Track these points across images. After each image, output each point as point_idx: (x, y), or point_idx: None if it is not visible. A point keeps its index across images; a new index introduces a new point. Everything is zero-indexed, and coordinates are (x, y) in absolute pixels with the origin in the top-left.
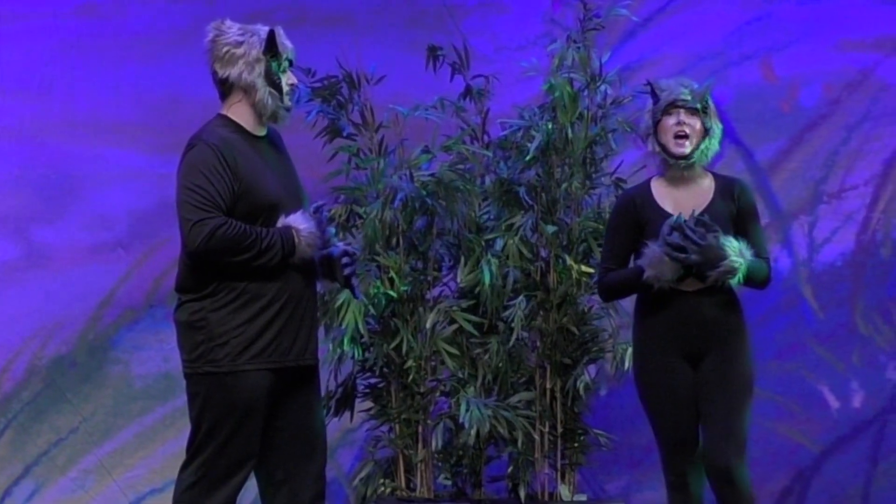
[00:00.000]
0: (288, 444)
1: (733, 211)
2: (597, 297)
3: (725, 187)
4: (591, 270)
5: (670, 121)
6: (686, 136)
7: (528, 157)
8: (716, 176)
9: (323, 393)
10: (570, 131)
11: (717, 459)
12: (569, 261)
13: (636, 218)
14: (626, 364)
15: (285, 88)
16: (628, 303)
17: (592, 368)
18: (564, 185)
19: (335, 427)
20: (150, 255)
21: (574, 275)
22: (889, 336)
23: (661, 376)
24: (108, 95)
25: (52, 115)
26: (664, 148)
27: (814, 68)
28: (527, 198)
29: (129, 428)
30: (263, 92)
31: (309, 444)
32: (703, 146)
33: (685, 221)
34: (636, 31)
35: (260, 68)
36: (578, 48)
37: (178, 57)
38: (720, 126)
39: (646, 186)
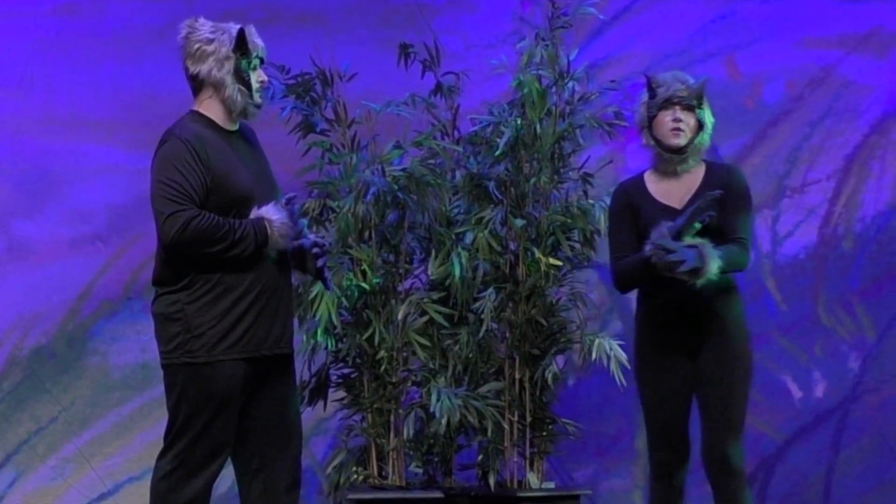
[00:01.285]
0: (263, 433)
1: (722, 200)
2: (565, 290)
3: (716, 175)
4: (560, 263)
5: (667, 116)
6: (682, 132)
7: (497, 153)
8: (710, 165)
9: (297, 383)
10: (538, 127)
11: (715, 449)
12: (537, 254)
13: (631, 206)
14: (594, 354)
15: (255, 86)
16: (596, 295)
17: (560, 359)
18: (533, 180)
19: (309, 416)
20: (128, 248)
21: (542, 267)
22: (850, 327)
23: (657, 367)
24: (87, 92)
25: (32, 111)
26: (659, 142)
27: (777, 66)
28: (496, 192)
29: (107, 417)
30: (232, 89)
31: (284, 432)
32: (697, 140)
33: (670, 227)
34: (603, 29)
35: (229, 65)
36: (547, 46)
37: (156, 55)
38: (713, 120)
39: (639, 178)
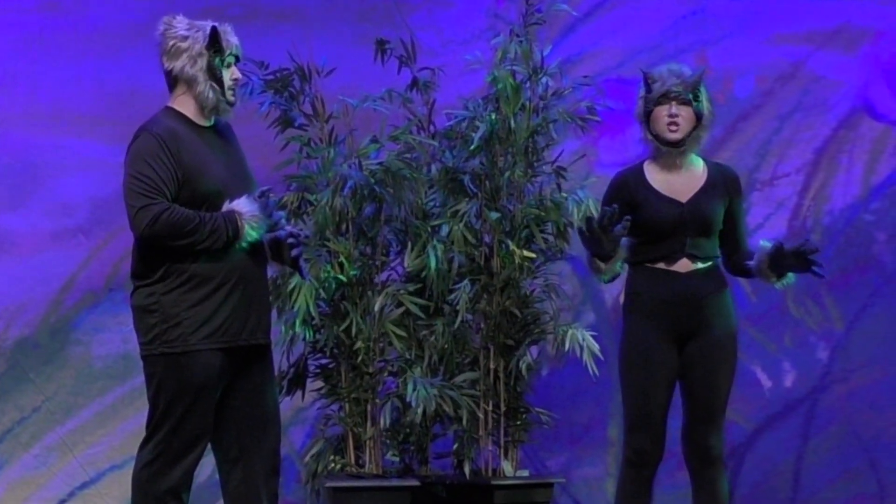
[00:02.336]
0: (242, 423)
1: (725, 198)
2: (539, 281)
3: (719, 174)
4: (534, 255)
5: (663, 111)
6: (678, 126)
7: (472, 147)
8: (707, 161)
9: (276, 373)
10: (512, 122)
11: (697, 437)
12: (511, 246)
13: (630, 197)
14: (567, 345)
15: (227, 83)
16: (569, 286)
17: (534, 349)
18: (507, 174)
19: (287, 406)
20: (110, 240)
21: (517, 259)
22: (819, 318)
23: (645, 355)
24: (70, 88)
25: (16, 106)
26: (657, 136)
27: (747, 61)
28: (471, 185)
29: (89, 407)
30: (204, 86)
31: (262, 422)
32: (694, 133)
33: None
34: (576, 26)
35: (202, 62)
36: (521, 42)
37: (137, 51)
38: (712, 112)
39: (639, 168)
